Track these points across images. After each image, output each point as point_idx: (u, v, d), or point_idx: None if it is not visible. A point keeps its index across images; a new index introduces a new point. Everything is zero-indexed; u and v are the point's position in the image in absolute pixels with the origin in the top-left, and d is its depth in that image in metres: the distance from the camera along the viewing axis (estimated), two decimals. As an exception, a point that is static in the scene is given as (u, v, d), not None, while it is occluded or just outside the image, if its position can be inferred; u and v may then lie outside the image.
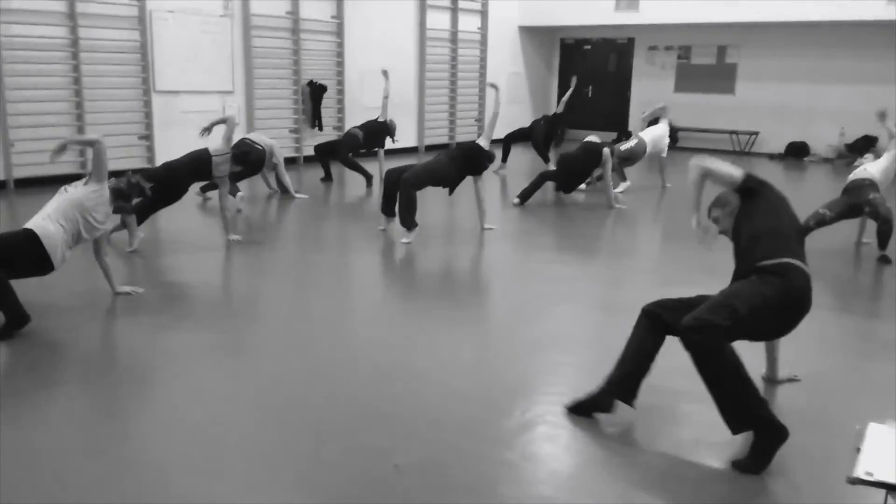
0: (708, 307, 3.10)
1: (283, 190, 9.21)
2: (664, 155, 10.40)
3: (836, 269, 6.36)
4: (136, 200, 5.64)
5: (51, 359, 4.19)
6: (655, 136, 10.25)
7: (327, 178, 10.47)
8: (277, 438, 3.27)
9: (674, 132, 11.22)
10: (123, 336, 4.70)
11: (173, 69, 10.49)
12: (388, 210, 7.27)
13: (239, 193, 8.41)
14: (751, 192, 3.46)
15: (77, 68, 9.52)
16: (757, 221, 3.39)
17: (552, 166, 10.61)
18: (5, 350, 4.23)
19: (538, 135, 11.72)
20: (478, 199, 7.57)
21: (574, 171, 9.07)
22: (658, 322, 3.40)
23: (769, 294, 3.14)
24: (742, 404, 3.03)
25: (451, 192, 7.59)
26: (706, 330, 3.00)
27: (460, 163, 7.34)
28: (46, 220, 4.70)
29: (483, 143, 7.42)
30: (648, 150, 10.08)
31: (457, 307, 5.31)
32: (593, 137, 9.26)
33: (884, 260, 6.47)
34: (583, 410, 3.49)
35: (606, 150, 8.89)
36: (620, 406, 3.47)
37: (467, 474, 3.00)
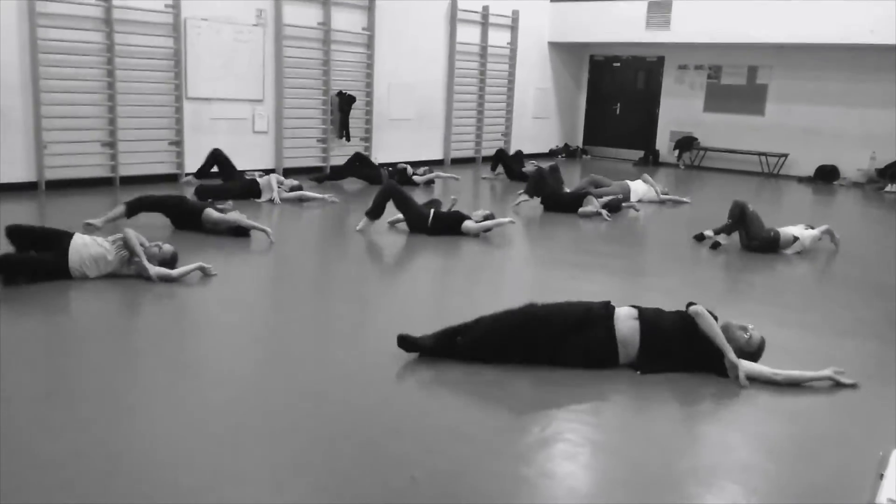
0: None
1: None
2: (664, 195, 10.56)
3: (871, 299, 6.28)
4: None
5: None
6: (639, 190, 10.46)
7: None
8: (294, 447, 3.27)
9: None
10: (141, 344, 4.76)
11: (205, 76, 10.62)
12: None
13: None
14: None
15: (111, 73, 9.66)
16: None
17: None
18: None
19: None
20: None
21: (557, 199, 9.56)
22: None
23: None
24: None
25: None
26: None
27: None
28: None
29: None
30: (632, 197, 10.23)
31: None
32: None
33: None
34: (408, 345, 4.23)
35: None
36: (647, 427, 3.44)
37: (483, 489, 2.99)
